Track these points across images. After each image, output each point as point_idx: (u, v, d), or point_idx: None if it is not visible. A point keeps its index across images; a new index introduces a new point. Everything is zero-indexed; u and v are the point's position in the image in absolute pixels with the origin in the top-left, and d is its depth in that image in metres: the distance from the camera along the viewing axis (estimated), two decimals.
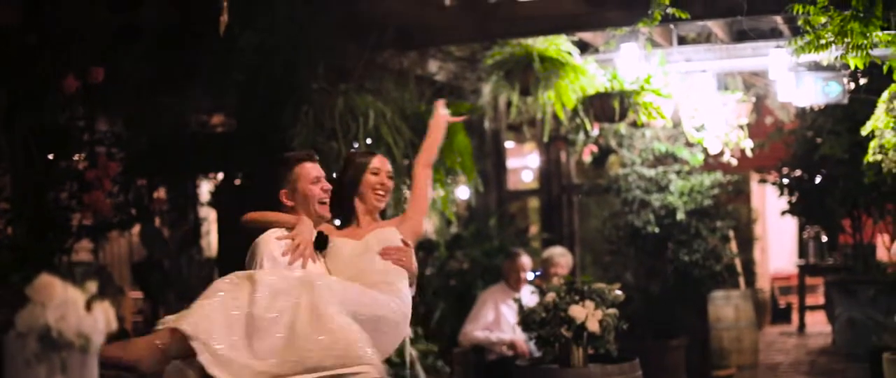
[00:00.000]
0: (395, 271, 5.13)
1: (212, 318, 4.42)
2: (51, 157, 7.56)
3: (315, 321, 4.52)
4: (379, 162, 5.38)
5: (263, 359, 4.47)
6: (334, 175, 5.51)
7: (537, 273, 9.36)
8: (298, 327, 4.50)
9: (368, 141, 7.27)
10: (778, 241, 19.74)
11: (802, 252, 17.52)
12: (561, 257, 9.49)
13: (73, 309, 2.29)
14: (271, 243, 4.96)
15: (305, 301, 4.57)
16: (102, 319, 2.34)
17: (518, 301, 7.34)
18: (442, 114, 5.61)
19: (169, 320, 4.46)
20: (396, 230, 5.27)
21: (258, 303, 4.50)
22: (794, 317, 18.24)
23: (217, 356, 4.38)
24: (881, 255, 14.53)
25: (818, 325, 17.47)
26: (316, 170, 5.24)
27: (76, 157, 7.85)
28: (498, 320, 9.12)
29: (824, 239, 16.30)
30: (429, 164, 5.48)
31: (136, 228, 8.85)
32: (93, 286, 2.34)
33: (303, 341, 4.48)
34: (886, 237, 12.67)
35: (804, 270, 17.24)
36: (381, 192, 5.33)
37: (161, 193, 9.11)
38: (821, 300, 18.23)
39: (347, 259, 5.15)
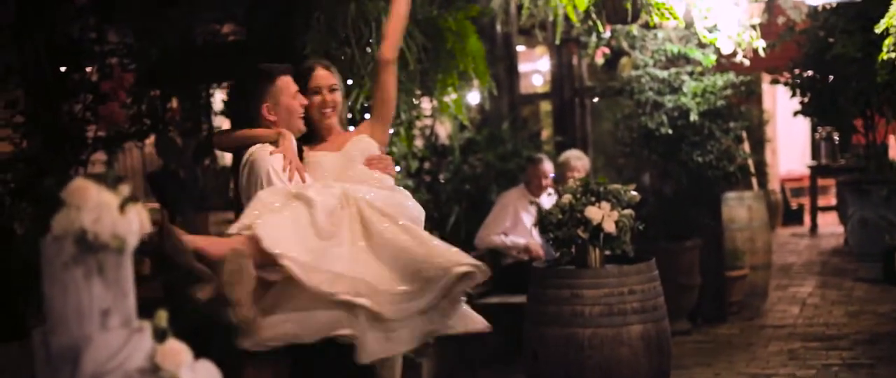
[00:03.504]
0: (387, 179, 5.24)
1: (283, 230, 4.55)
2: (63, 69, 7.56)
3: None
4: (317, 80, 5.49)
5: (333, 268, 4.59)
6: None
7: (554, 177, 9.38)
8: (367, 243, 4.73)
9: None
10: (789, 143, 19.76)
11: (815, 153, 17.55)
12: (577, 160, 9.51)
13: (108, 211, 2.32)
14: (269, 159, 5.05)
15: (356, 214, 4.75)
16: (136, 221, 2.37)
17: (537, 205, 7.36)
18: None
19: (238, 228, 4.59)
20: (371, 139, 5.38)
21: (318, 219, 4.62)
22: (806, 218, 18.33)
23: (300, 264, 4.48)
24: (894, 154, 14.56)
25: (830, 225, 17.57)
26: (294, 84, 5.35)
27: (88, 70, 7.84)
28: (516, 225, 9.18)
29: (836, 139, 16.31)
30: (394, 54, 5.51)
31: (149, 140, 8.86)
32: (125, 189, 2.37)
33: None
34: None
35: (816, 171, 17.28)
36: (326, 111, 5.45)
37: (174, 104, 9.09)
38: (833, 201, 18.31)
39: (333, 171, 5.25)
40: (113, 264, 2.35)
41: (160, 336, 2.44)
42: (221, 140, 5.61)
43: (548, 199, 8.63)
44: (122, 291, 2.38)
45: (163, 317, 2.45)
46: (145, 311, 7.21)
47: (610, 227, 6.58)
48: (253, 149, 5.15)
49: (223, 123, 9.42)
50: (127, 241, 2.34)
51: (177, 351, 2.44)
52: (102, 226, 2.30)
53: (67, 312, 2.31)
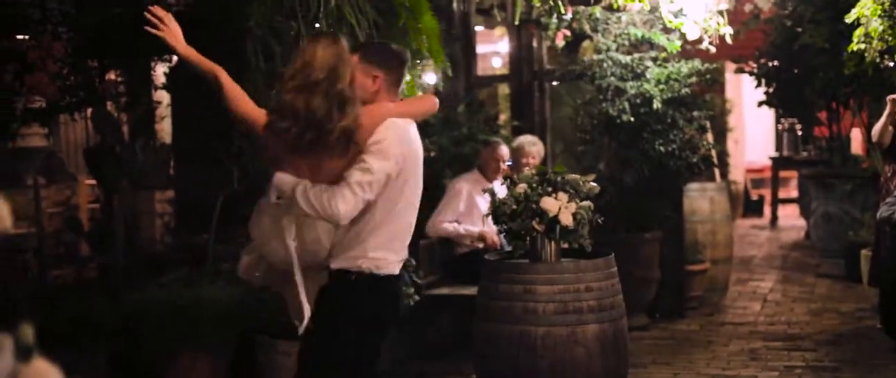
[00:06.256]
0: None
1: None
2: None
3: None
4: None
5: None
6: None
7: (507, 163, 9.01)
8: None
9: (329, 21, 6.84)
10: (752, 133, 19.57)
11: (779, 144, 17.36)
12: (532, 146, 9.15)
13: None
14: None
15: None
16: None
17: (490, 191, 6.96)
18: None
19: None
20: None
21: None
22: (767, 209, 18.12)
23: None
24: (857, 148, 14.34)
25: (790, 218, 17.33)
26: None
27: (23, 37, 7.44)
28: (470, 211, 8.78)
29: (799, 131, 16.10)
30: None
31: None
32: None
33: None
34: (863, 131, 12.43)
35: (778, 163, 17.05)
36: None
37: (112, 76, 8.66)
38: (793, 193, 18.11)
39: None
40: None
41: (24, 354, 2.02)
42: None
43: (499, 186, 8.20)
44: None
45: (28, 332, 2.03)
46: (84, 294, 6.75)
47: (567, 219, 6.21)
48: None
49: (165, 98, 9.00)
50: None
51: (44, 371, 2.03)
52: None
53: None
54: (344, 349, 4.65)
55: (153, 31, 5.00)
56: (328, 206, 4.45)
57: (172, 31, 5.02)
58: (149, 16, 4.96)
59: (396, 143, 4.57)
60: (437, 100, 5.07)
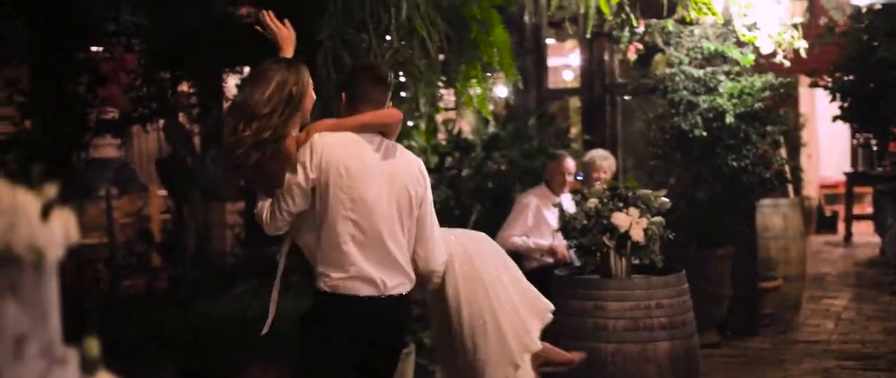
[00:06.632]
0: None
1: None
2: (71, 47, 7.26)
3: None
4: None
5: None
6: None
7: (578, 177, 8.94)
8: None
9: (400, 34, 6.82)
10: (828, 148, 19.33)
11: (854, 160, 17.13)
12: (603, 160, 9.05)
13: (25, 217, 1.87)
14: None
15: None
16: (61, 230, 1.92)
17: (558, 206, 6.90)
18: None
19: None
20: None
21: None
22: (840, 226, 17.86)
23: None
24: None
25: (864, 235, 17.07)
26: None
27: (98, 49, 7.51)
28: (538, 225, 8.70)
29: (874, 146, 15.88)
30: None
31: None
32: (51, 189, 1.91)
33: None
34: None
35: (853, 179, 16.82)
36: None
37: (184, 88, 8.73)
38: (868, 209, 17.84)
39: None
40: (30, 282, 1.90)
41: (89, 368, 2.00)
42: None
43: (568, 200, 8.13)
44: (42, 313, 1.94)
45: (93, 345, 2.00)
46: (155, 305, 6.79)
47: (638, 235, 6.15)
48: None
49: None
50: (46, 254, 1.89)
51: None
52: (17, 235, 1.86)
53: None
54: (306, 360, 4.73)
55: (263, 31, 5.02)
56: (259, 216, 4.68)
57: (285, 35, 5.00)
58: (262, 18, 4.95)
59: (305, 154, 4.59)
60: (394, 112, 5.03)
